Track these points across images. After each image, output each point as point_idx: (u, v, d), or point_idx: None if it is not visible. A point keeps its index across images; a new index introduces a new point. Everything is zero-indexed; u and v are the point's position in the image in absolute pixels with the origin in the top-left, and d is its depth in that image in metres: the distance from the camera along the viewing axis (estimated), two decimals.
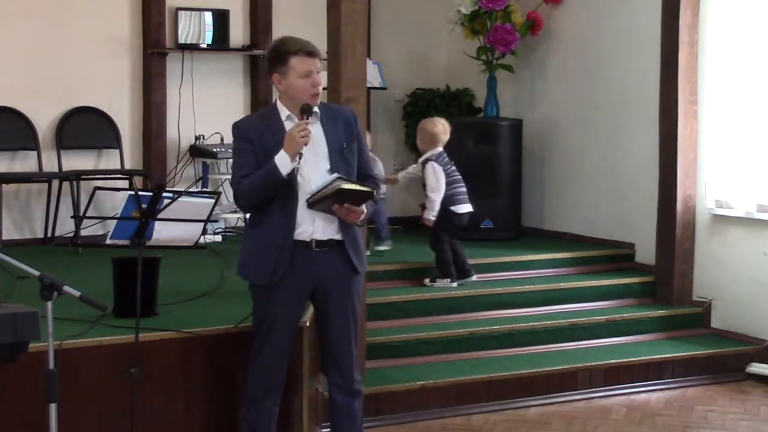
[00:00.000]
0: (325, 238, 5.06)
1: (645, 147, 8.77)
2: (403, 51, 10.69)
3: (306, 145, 4.90)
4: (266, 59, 5.22)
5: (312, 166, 5.02)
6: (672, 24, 8.33)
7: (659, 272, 8.51)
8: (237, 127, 5.16)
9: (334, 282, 5.12)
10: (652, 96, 8.56)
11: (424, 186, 8.13)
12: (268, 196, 5.00)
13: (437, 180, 8.00)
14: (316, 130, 5.07)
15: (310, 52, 5.03)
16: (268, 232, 5.03)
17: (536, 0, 9.76)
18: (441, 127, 8.17)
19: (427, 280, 8.07)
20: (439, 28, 10.20)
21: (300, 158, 4.91)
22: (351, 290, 5.19)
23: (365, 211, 5.07)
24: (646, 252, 8.78)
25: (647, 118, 8.71)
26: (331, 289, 5.13)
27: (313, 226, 5.03)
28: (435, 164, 8.04)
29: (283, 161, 4.91)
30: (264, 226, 5.05)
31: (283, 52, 5.05)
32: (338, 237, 5.09)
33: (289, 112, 5.07)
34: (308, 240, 5.04)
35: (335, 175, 4.94)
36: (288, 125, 5.03)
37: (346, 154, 5.10)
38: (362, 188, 4.97)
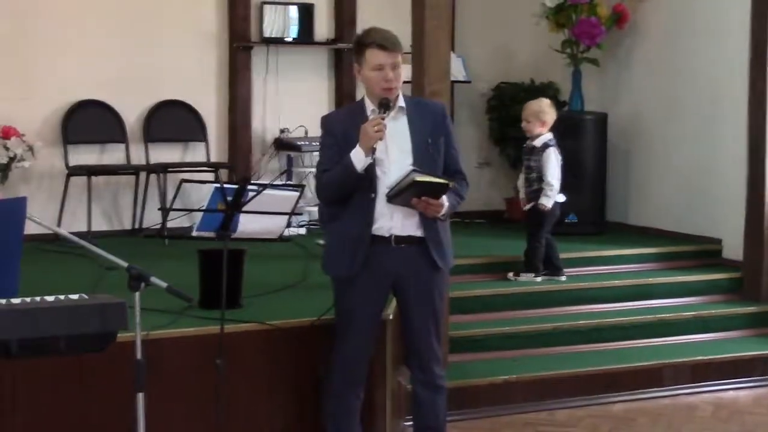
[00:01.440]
0: (405, 234, 5.03)
1: (733, 140, 8.64)
2: (488, 44, 10.65)
3: (381, 140, 4.87)
4: (352, 49, 5.23)
5: (395, 161, 5.00)
6: (762, 14, 8.19)
7: (747, 268, 8.39)
8: (323, 122, 5.19)
9: (415, 279, 5.10)
10: (741, 88, 8.43)
11: (529, 171, 7.98)
12: (347, 190, 5.00)
13: (558, 166, 7.92)
14: (401, 124, 5.05)
15: (382, 45, 4.98)
16: (347, 226, 5.04)
17: None
18: (553, 109, 8.12)
19: (510, 274, 8.02)
20: (524, 21, 10.14)
21: (374, 153, 4.89)
22: (432, 288, 5.15)
23: (445, 204, 5.03)
24: (733, 248, 8.65)
25: (735, 111, 8.59)
26: (411, 286, 5.11)
27: (391, 221, 5.01)
28: (556, 150, 7.96)
29: (358, 156, 4.91)
30: (343, 219, 5.06)
31: (362, 43, 5.05)
32: (419, 234, 5.06)
33: (373, 107, 5.06)
34: (387, 235, 5.02)
35: (410, 167, 4.92)
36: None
37: (430, 149, 5.06)
38: (437, 180, 4.94)
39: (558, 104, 10.27)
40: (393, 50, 4.98)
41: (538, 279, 7.95)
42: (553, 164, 7.90)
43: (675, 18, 9.43)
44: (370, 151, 4.88)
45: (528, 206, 8.00)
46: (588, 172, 9.44)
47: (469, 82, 10.29)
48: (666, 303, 8.10)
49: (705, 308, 8.08)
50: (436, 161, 5.08)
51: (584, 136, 9.41)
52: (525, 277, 7.95)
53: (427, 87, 6.43)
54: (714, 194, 8.98)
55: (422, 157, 5.02)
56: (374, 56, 4.98)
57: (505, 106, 10.34)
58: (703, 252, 8.89)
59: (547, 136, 8.01)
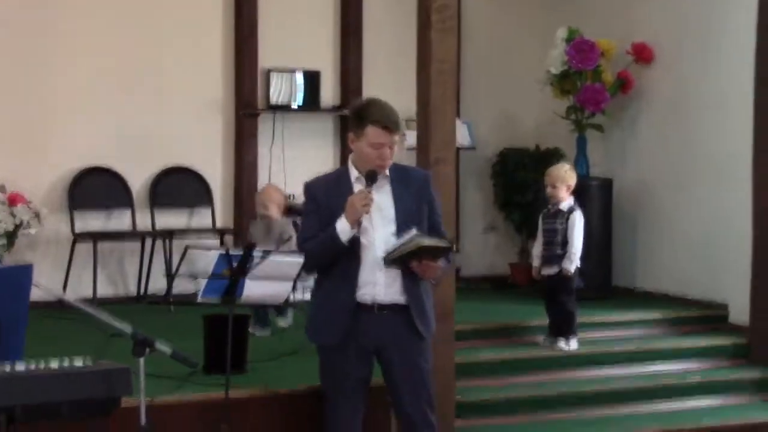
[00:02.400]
0: (387, 301, 5.06)
1: (737, 206, 8.66)
2: (493, 111, 10.70)
3: (367, 213, 4.93)
4: (349, 115, 5.26)
5: (377, 229, 5.04)
6: (765, 82, 8.25)
7: (753, 333, 8.37)
8: (306, 188, 5.25)
9: (398, 347, 5.12)
10: (745, 156, 8.47)
11: (552, 235, 7.99)
12: (330, 260, 5.03)
13: (582, 230, 7.95)
14: (384, 192, 5.09)
15: (387, 127, 5.02)
16: (331, 294, 5.07)
17: (626, 59, 9.73)
18: (575, 174, 8.18)
19: (542, 339, 8.00)
20: (529, 87, 10.20)
21: (360, 226, 4.94)
22: (417, 355, 5.16)
23: (442, 266, 5.07)
24: (739, 312, 8.64)
25: (739, 178, 8.61)
26: (395, 355, 5.12)
27: (374, 289, 5.04)
28: (581, 214, 8.01)
29: (343, 228, 4.96)
30: (327, 288, 5.10)
31: (364, 117, 5.08)
32: (402, 300, 5.08)
33: (358, 174, 5.10)
34: (370, 303, 5.05)
35: (414, 231, 4.95)
36: (357, 187, 5.06)
37: (414, 217, 5.09)
38: (441, 244, 4.99)
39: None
40: (395, 131, 5.04)
41: (576, 345, 7.92)
42: (579, 228, 7.94)
43: (680, 85, 9.48)
44: (356, 224, 4.93)
45: (549, 271, 7.96)
46: (594, 236, 9.43)
47: (474, 148, 10.33)
48: (672, 368, 8.08)
49: (711, 374, 8.05)
50: (422, 229, 5.11)
51: (590, 201, 9.42)
52: (562, 343, 7.89)
53: (432, 154, 6.44)
54: (720, 259, 8.98)
55: (406, 225, 5.06)
56: (375, 134, 5.02)
57: (510, 172, 10.37)
58: (709, 317, 8.88)
59: (571, 199, 8.07)
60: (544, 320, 8.07)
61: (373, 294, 5.04)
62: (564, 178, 8.03)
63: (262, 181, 9.80)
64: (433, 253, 4.97)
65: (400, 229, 5.02)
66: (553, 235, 7.96)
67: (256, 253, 5.32)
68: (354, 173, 5.12)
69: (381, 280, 5.03)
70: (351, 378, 5.11)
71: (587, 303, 8.58)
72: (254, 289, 5.32)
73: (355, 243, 4.99)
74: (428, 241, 4.93)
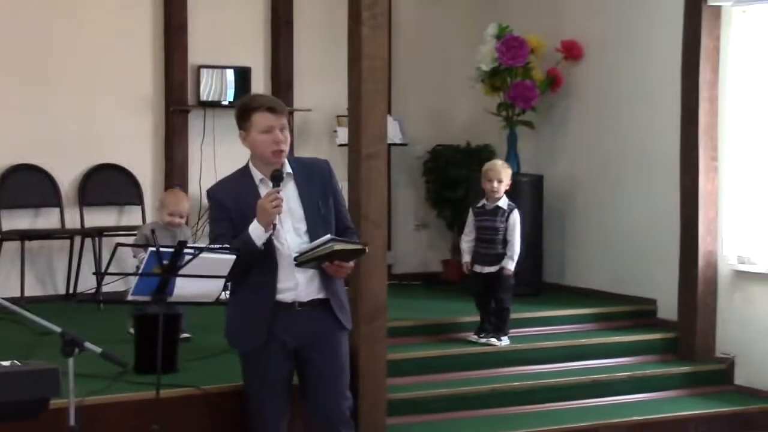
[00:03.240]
0: (307, 299, 5.06)
1: (666, 203, 8.75)
2: (424, 107, 10.72)
3: (279, 214, 4.91)
4: (235, 117, 5.23)
5: (289, 230, 5.02)
6: (692, 80, 8.35)
7: (681, 328, 8.46)
8: (210, 195, 5.18)
9: (321, 340, 5.11)
10: (673, 152, 8.56)
11: (492, 233, 8.00)
12: (246, 266, 4.99)
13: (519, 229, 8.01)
14: (290, 190, 5.06)
15: (271, 108, 5.03)
16: (249, 298, 5.04)
17: (556, 56, 9.79)
18: None
19: (474, 336, 8.00)
20: (460, 84, 10.23)
21: (274, 228, 4.92)
22: (338, 347, 5.18)
23: (352, 268, 5.09)
24: (668, 308, 8.73)
25: (667, 174, 8.71)
26: (317, 347, 5.12)
27: (296, 290, 5.04)
28: (518, 212, 8.05)
29: (257, 232, 4.92)
30: (245, 292, 5.06)
31: (246, 108, 5.09)
32: (321, 296, 5.09)
33: (262, 176, 5.07)
34: (290, 301, 5.04)
35: (328, 236, 4.94)
36: (262, 190, 5.03)
37: (322, 211, 5.09)
38: (356, 247, 5.01)
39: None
40: (281, 113, 5.06)
41: (507, 341, 7.96)
42: (519, 227, 7.99)
43: (607, 80, 9.56)
44: (270, 226, 4.90)
45: (489, 269, 7.98)
46: (524, 233, 9.48)
47: (405, 144, 10.34)
48: (601, 363, 8.13)
49: (640, 368, 8.13)
50: (329, 222, 5.12)
51: (520, 198, 9.44)
52: (494, 339, 7.92)
53: (364, 149, 6.45)
54: (648, 255, 9.07)
55: (315, 222, 5.05)
56: (263, 119, 5.01)
57: (442, 169, 10.40)
58: (638, 312, 8.96)
59: (505, 197, 8.09)
60: (476, 317, 8.09)
61: (293, 294, 5.03)
62: (507, 174, 8.06)
63: (192, 178, 9.75)
64: (347, 255, 4.98)
65: (311, 227, 5.00)
66: (493, 233, 7.98)
67: (188, 251, 5.27)
68: (257, 175, 5.09)
69: (301, 280, 5.02)
70: (276, 378, 5.08)
71: (518, 299, 8.61)
72: (186, 287, 5.27)
73: (269, 246, 4.96)
74: (342, 246, 4.94)
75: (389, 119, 8.78)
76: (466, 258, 8.09)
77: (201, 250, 5.18)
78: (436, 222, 10.65)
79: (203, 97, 9.84)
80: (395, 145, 10.07)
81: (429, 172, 10.59)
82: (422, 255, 10.57)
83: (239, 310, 5.10)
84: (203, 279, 5.17)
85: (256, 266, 4.99)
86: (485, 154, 10.37)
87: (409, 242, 10.57)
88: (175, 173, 9.70)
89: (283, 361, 5.09)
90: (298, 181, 5.09)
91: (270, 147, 5.00)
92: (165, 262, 5.14)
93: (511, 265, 7.95)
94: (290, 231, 5.02)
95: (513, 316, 8.18)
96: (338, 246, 4.91)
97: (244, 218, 4.94)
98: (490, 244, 7.99)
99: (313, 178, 5.12)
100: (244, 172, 5.15)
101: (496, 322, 7.99)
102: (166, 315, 5.42)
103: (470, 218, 8.14)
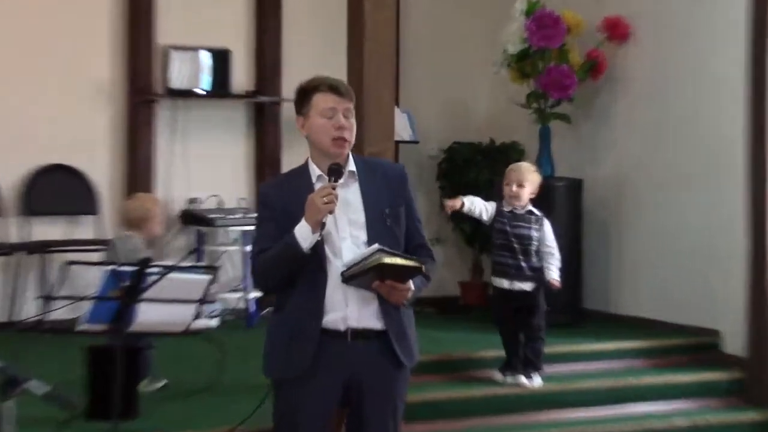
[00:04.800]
0: (362, 327, 5.00)
1: (731, 212, 8.71)
2: (438, 98, 10.72)
3: (331, 213, 4.85)
4: (294, 102, 5.23)
5: (346, 238, 4.98)
6: (761, 66, 8.28)
7: (751, 366, 8.41)
8: (260, 193, 5.20)
9: (373, 377, 5.05)
10: (739, 152, 8.50)
11: (526, 242, 7.97)
12: (289, 274, 4.95)
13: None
14: (351, 192, 5.03)
15: (334, 87, 5.03)
16: (292, 318, 5.00)
17: (597, 37, 9.78)
18: None
19: (498, 375, 7.96)
20: (481, 70, 10.23)
21: (323, 229, 4.87)
22: (393, 389, 5.12)
23: (412, 288, 5.01)
24: (734, 341, 8.70)
25: (733, 178, 8.66)
26: (367, 386, 5.06)
27: (346, 311, 4.97)
28: None
29: (303, 233, 4.87)
30: (286, 310, 5.02)
31: (307, 90, 5.08)
32: (379, 326, 5.02)
33: (320, 172, 5.04)
34: (342, 329, 4.98)
35: (376, 246, 4.87)
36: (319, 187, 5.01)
37: (389, 222, 5.05)
38: (408, 263, 4.91)
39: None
40: (345, 96, 5.04)
41: (539, 381, 7.91)
42: (552, 234, 8.04)
43: (661, 65, 9.54)
44: (318, 226, 4.85)
45: (522, 286, 7.93)
46: (561, 249, 9.44)
47: (416, 142, 10.33)
48: (654, 408, 8.11)
49: (701, 414, 8.08)
50: (396, 236, 5.06)
51: (555, 207, 9.43)
52: (525, 378, 7.88)
53: (366, 148, 6.46)
54: (710, 276, 9.04)
55: (379, 232, 4.99)
56: (323, 99, 5.02)
57: (460, 171, 10.39)
58: (697, 346, 8.94)
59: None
60: (501, 351, 8.04)
61: (344, 317, 4.97)
62: (533, 179, 8.03)
63: (160, 183, 9.75)
64: (399, 273, 4.90)
65: (373, 238, 4.97)
66: (529, 242, 7.95)
67: (153, 270, 5.24)
68: (315, 171, 5.07)
69: (353, 300, 4.97)
70: (314, 414, 5.04)
71: (553, 330, 8.57)
72: (150, 313, 5.24)
73: (319, 255, 4.92)
74: (391, 259, 4.86)
75: (397, 112, 8.76)
76: (465, 199, 7.97)
77: (169, 269, 5.14)
78: (453, 236, 10.63)
79: (173, 84, 9.83)
80: (404, 142, 10.07)
81: (444, 175, 10.59)
82: (436, 276, 10.42)
83: (278, 330, 5.07)
84: (171, 304, 5.14)
85: (301, 279, 4.95)
86: (512, 153, 10.36)
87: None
88: (138, 177, 9.68)
89: (321, 397, 5.04)
90: (362, 182, 5.07)
91: (330, 133, 4.99)
92: (125, 283, 5.12)
93: (557, 275, 7.96)
94: (347, 239, 4.97)
95: (547, 349, 8.13)
96: (386, 259, 4.82)
97: (293, 221, 4.92)
98: (526, 256, 7.96)
99: (381, 183, 5.10)
100: (302, 168, 5.16)
101: (526, 358, 7.95)
102: (127, 348, 5.38)
103: (495, 224, 8.05)
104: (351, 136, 5.03)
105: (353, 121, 5.04)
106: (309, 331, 4.95)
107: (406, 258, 4.91)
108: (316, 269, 4.94)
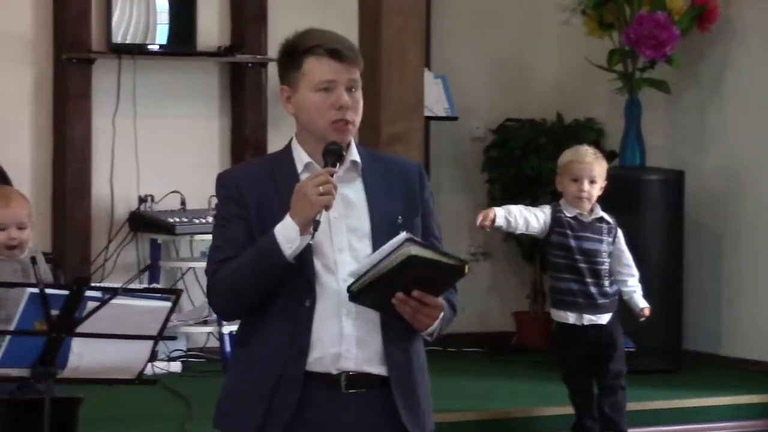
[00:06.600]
0: (361, 370, 5.01)
1: None
2: (484, 59, 10.75)
3: (327, 209, 4.85)
4: (277, 61, 5.19)
5: (343, 250, 4.96)
6: None
7: None
8: (222, 182, 5.07)
9: None
10: None
11: (597, 260, 8.04)
12: (260, 293, 4.95)
13: None
14: (354, 190, 5.02)
15: (335, 51, 4.96)
16: (264, 354, 4.97)
17: None
18: None
19: None
20: (544, 20, 10.28)
21: (316, 230, 4.85)
22: None
23: (443, 309, 5.00)
24: None
25: None
26: None
27: (341, 348, 4.97)
28: None
29: (288, 234, 4.80)
30: (257, 345, 4.99)
31: (293, 50, 5.00)
32: (382, 371, 5.03)
33: (309, 159, 5.01)
34: (333, 372, 4.98)
35: (404, 234, 4.81)
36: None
37: (401, 232, 5.01)
38: (447, 260, 4.87)
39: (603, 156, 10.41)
40: (350, 61, 4.96)
41: None
42: (627, 248, 8.14)
43: None
44: (309, 225, 4.82)
45: (595, 319, 8.01)
46: (653, 266, 9.48)
47: (455, 118, 10.35)
48: None
49: None
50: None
51: (646, 210, 9.50)
52: None
53: (384, 127, 6.49)
54: None
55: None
56: (319, 67, 4.90)
57: (515, 159, 10.42)
58: None
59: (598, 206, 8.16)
60: (570, 407, 8.11)
61: (336, 357, 4.96)
62: (603, 171, 8.08)
63: (99, 169, 9.78)
64: (432, 277, 4.85)
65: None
66: (600, 261, 8.00)
67: (92, 293, 5.31)
68: (302, 157, 5.01)
69: (351, 333, 4.96)
70: None
71: (642, 379, 8.65)
72: (89, 353, 5.30)
73: (305, 267, 4.92)
74: (427, 253, 4.79)
75: (428, 77, 8.82)
76: (498, 210, 8.02)
77: (114, 292, 5.20)
78: (505, 249, 10.69)
79: (116, 38, 9.89)
80: (437, 118, 10.09)
81: (494, 164, 10.64)
82: (482, 304, 10.58)
83: (243, 373, 5.06)
84: (118, 341, 5.20)
85: (278, 301, 4.94)
86: (587, 134, 10.38)
87: (460, 282, 10.56)
88: (69, 164, 9.73)
89: None
90: (367, 178, 5.02)
91: (327, 114, 4.88)
92: (54, 312, 5.18)
93: (645, 302, 8.02)
94: (344, 251, 4.89)
95: (633, 405, 8.20)
96: (416, 250, 4.75)
97: (272, 222, 4.88)
98: (597, 279, 8.00)
99: (392, 181, 5.05)
100: (282, 155, 5.08)
101: (605, 416, 8.01)
102: (55, 400, 5.45)
103: (548, 214, 8.08)
104: (356, 116, 4.92)
105: (359, 95, 4.91)
106: (290, 373, 4.93)
107: (441, 253, 4.86)
108: (302, 288, 4.89)
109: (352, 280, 4.78)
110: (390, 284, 4.70)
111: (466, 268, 4.81)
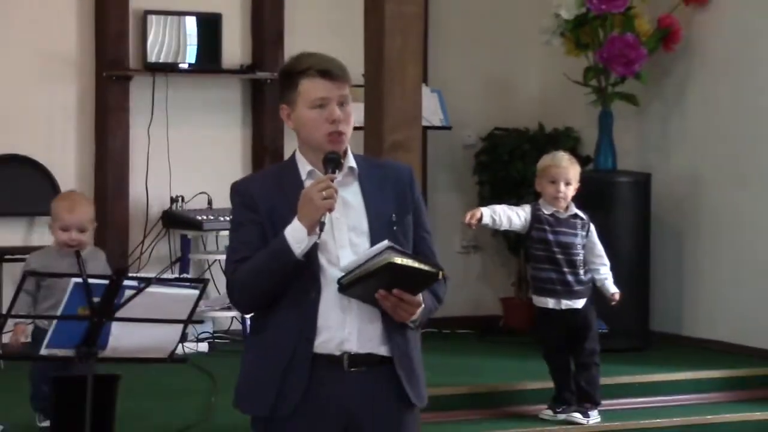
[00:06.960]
0: (363, 352, 5.01)
1: None
2: (476, 74, 10.73)
3: (331, 210, 4.87)
4: (278, 82, 5.24)
5: (345, 246, 4.98)
6: None
7: None
8: (236, 191, 5.13)
9: (375, 418, 5.08)
10: None
11: (572, 252, 8.04)
12: (275, 288, 4.95)
13: None
14: (351, 193, 5.05)
15: (326, 72, 5.01)
16: (276, 340, 4.97)
17: (671, 0, 9.80)
18: None
19: (548, 411, 8.04)
20: (528, 40, 10.25)
21: (321, 230, 4.88)
22: (400, 430, 5.16)
23: (423, 305, 5.03)
24: None
25: None
26: (367, 426, 5.10)
27: (344, 332, 4.97)
28: None
29: (297, 235, 4.86)
30: (270, 332, 5.00)
31: (291, 72, 5.06)
32: (383, 351, 5.03)
33: (311, 167, 5.04)
34: (337, 353, 4.98)
35: (385, 242, 4.86)
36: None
37: (395, 229, 5.04)
38: (423, 267, 4.90)
39: (578, 161, 10.38)
40: (340, 79, 5.00)
41: (597, 417, 8.02)
42: (599, 242, 8.14)
43: (749, 35, 9.54)
44: (315, 226, 4.86)
45: (572, 304, 7.99)
46: (623, 259, 9.46)
47: (448, 128, 10.34)
48: None
49: None
50: (404, 247, 5.07)
51: (617, 208, 9.49)
52: (579, 415, 7.95)
53: (386, 136, 6.46)
54: None
55: (384, 240, 5.01)
56: (313, 88, 4.97)
57: (502, 163, 10.41)
58: None
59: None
60: (550, 382, 8.10)
61: (340, 340, 4.96)
62: (577, 174, 8.11)
63: (135, 175, 9.79)
64: (411, 280, 4.90)
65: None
66: (576, 252, 8.01)
67: (129, 282, 5.30)
68: (305, 167, 5.07)
69: (353, 318, 4.97)
70: None
71: (613, 357, 8.63)
72: (126, 335, 5.30)
73: (312, 264, 4.94)
74: (402, 260, 4.85)
75: (425, 91, 8.80)
76: (484, 210, 7.99)
77: (148, 281, 5.20)
78: (493, 243, 10.69)
79: (151, 57, 9.89)
80: (433, 128, 10.08)
81: (483, 168, 10.63)
82: (473, 291, 10.57)
83: (258, 357, 5.06)
84: (152, 325, 5.20)
85: (288, 294, 4.95)
86: (565, 141, 10.38)
87: (453, 272, 10.51)
88: (109, 169, 9.74)
89: None
90: (363, 182, 5.07)
91: (323, 128, 4.96)
92: (95, 299, 5.18)
93: (615, 287, 8.05)
94: (346, 247, 4.95)
95: (606, 380, 8.19)
96: (397, 258, 4.79)
97: (282, 224, 4.92)
98: (572, 268, 8.01)
99: (386, 184, 5.10)
100: (287, 164, 5.15)
101: (581, 389, 8.01)
102: (98, 377, 5.45)
103: (531, 232, 8.08)
104: (348, 127, 5.00)
105: (350, 108, 5.00)
106: (297, 356, 4.91)
107: (420, 261, 4.91)
108: (308, 280, 4.92)
109: (344, 268, 4.88)
110: (373, 282, 4.80)
111: (441, 274, 4.91)
